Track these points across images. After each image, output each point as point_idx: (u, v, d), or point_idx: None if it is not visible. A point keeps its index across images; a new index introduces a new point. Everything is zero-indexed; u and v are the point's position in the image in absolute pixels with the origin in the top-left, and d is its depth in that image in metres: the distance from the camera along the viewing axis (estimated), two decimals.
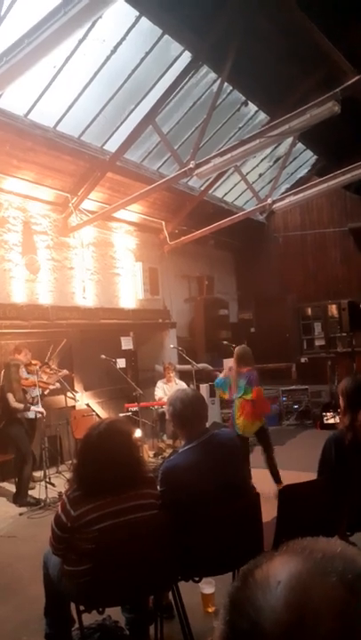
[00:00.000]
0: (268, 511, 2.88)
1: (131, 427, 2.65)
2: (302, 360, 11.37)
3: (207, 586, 3.17)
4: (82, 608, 2.42)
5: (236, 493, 2.72)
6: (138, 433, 7.54)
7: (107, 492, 2.38)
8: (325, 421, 3.31)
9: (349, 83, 6.00)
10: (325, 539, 0.59)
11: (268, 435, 5.68)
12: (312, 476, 3.28)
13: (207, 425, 2.90)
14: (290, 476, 4.96)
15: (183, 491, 2.60)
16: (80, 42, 6.06)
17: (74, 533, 2.37)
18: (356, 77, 5.90)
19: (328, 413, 3.05)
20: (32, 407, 5.98)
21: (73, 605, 2.49)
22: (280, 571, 0.54)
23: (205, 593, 3.19)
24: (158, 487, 2.67)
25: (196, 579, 2.70)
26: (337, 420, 3.33)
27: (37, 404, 6.06)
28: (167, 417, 2.83)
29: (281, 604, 0.50)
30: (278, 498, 2.88)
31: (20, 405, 5.86)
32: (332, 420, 3.02)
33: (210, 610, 3.19)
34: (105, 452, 2.40)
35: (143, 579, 2.49)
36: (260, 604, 0.51)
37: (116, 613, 2.95)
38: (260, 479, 5.62)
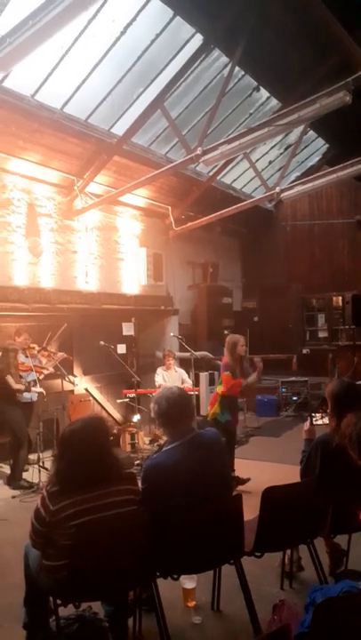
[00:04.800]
0: (255, 507, 2.87)
1: (108, 425, 2.68)
2: (304, 351, 11.33)
3: (188, 581, 3.19)
4: (59, 602, 2.45)
5: (217, 493, 2.72)
6: (136, 418, 7.60)
7: (83, 487, 2.40)
8: (315, 422, 3.31)
9: None
10: None
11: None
12: None
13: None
14: (284, 470, 4.97)
15: (164, 489, 2.61)
16: (89, 21, 5.94)
17: (52, 528, 2.40)
18: None
19: (317, 414, 3.01)
20: (32, 388, 6.00)
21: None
22: None
23: (186, 588, 3.22)
24: (140, 484, 2.68)
25: (175, 576, 2.72)
26: (326, 421, 3.32)
27: (35, 386, 6.08)
28: (152, 415, 2.82)
29: None
30: (261, 498, 2.88)
31: (22, 386, 5.90)
32: (320, 422, 2.99)
33: (190, 604, 3.22)
34: (79, 447, 2.45)
35: (121, 576, 2.51)
36: None
37: (95, 604, 2.98)
38: (261, 470, 5.66)
